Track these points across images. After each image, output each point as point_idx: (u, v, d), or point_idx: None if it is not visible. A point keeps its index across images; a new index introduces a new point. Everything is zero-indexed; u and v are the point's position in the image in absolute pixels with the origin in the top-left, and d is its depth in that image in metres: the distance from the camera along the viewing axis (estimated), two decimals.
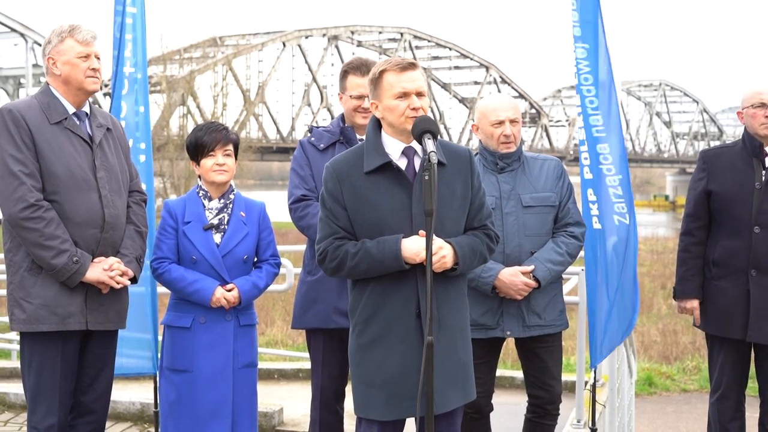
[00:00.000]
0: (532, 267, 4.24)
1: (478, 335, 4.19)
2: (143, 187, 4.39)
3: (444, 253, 3.28)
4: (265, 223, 4.22)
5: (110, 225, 3.91)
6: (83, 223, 3.83)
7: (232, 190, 4.19)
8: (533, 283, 4.24)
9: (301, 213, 4.29)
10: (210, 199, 4.14)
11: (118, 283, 3.89)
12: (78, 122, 3.94)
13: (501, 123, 4.37)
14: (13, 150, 3.75)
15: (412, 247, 3.26)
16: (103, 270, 3.84)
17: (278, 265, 4.25)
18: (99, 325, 3.91)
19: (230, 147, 4.11)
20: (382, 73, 3.37)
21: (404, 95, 3.33)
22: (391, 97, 3.34)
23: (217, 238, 4.10)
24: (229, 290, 4.06)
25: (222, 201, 4.14)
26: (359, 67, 4.32)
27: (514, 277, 4.22)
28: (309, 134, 4.45)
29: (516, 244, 4.29)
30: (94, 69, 3.94)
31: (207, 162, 4.08)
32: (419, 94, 3.35)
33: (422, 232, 3.26)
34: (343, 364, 4.23)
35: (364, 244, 3.31)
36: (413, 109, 3.32)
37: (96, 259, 3.86)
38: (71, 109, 3.94)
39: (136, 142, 4.88)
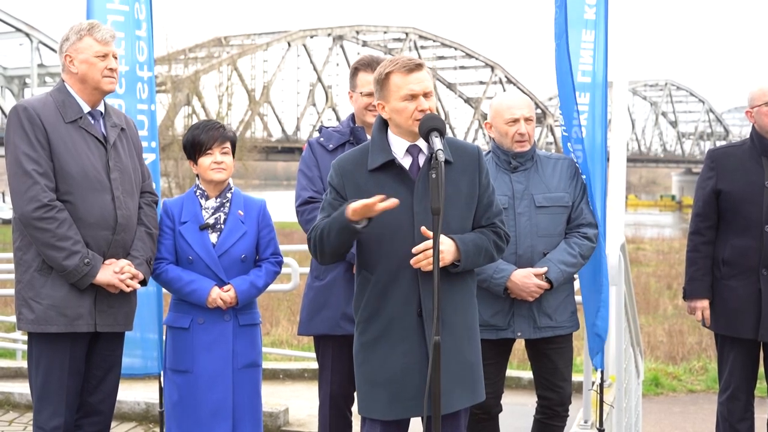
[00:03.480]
0: (545, 269, 4.20)
1: (489, 336, 4.17)
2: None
3: (442, 248, 3.23)
4: (265, 221, 4.17)
5: (122, 227, 3.88)
6: (95, 224, 3.81)
7: (230, 189, 4.15)
8: (546, 285, 4.20)
9: (308, 216, 4.24)
10: (207, 199, 4.10)
11: (128, 287, 3.87)
12: (93, 121, 3.92)
13: (516, 121, 4.33)
14: (27, 148, 3.73)
15: (357, 205, 3.20)
16: (114, 273, 3.82)
17: (280, 263, 4.20)
18: (107, 327, 3.89)
19: (227, 145, 4.08)
20: (388, 74, 3.34)
21: (412, 97, 3.31)
22: (398, 99, 3.32)
23: (213, 237, 4.06)
24: (226, 290, 4.03)
25: (218, 200, 4.10)
26: (370, 64, 4.29)
27: (526, 279, 4.18)
28: (318, 134, 4.42)
29: (528, 244, 4.25)
30: (111, 69, 3.92)
31: (205, 160, 4.04)
32: (426, 95, 3.33)
33: (424, 229, 3.23)
34: (352, 370, 4.18)
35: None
36: (421, 111, 3.30)
37: (107, 261, 3.84)
38: (86, 108, 3.91)
39: (145, 141, 4.84)
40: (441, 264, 3.23)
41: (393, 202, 3.18)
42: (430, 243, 3.20)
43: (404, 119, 3.32)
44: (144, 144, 4.80)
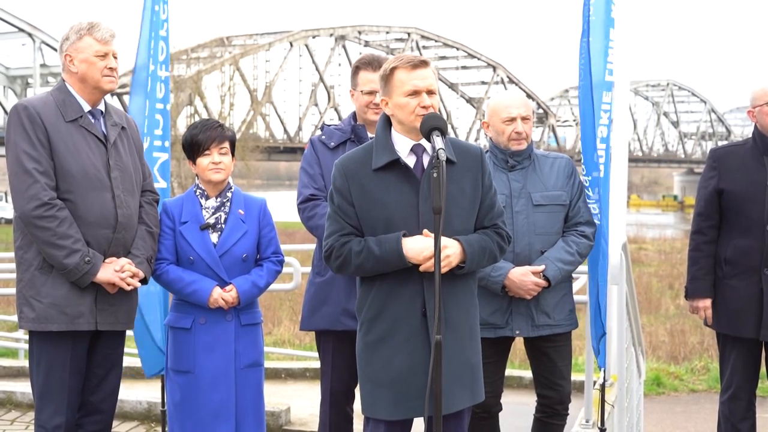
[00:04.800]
0: (542, 267, 4.21)
1: (487, 334, 4.16)
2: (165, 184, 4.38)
3: (449, 252, 3.25)
4: (265, 219, 4.15)
5: (122, 225, 3.89)
6: (96, 222, 3.81)
7: (230, 188, 4.13)
8: (543, 283, 4.21)
9: (309, 213, 4.26)
10: (207, 198, 4.09)
11: (128, 285, 3.87)
12: (93, 120, 3.93)
13: (512, 120, 4.34)
14: (27, 147, 3.73)
15: (415, 247, 3.25)
16: (114, 271, 3.83)
17: (281, 262, 4.19)
18: (108, 325, 3.89)
19: (226, 145, 4.05)
20: (393, 70, 3.35)
21: (415, 93, 3.31)
22: (401, 95, 3.32)
23: (214, 237, 4.04)
24: (228, 291, 4.01)
25: (219, 200, 4.08)
26: (371, 63, 4.31)
27: (524, 277, 4.19)
28: (320, 132, 4.44)
29: (526, 242, 4.26)
30: (111, 68, 3.93)
31: (203, 161, 4.02)
32: (430, 92, 3.33)
33: (426, 231, 3.25)
34: (352, 366, 4.18)
35: (366, 243, 3.30)
36: (423, 107, 3.30)
37: (107, 260, 3.84)
38: (86, 107, 3.92)
39: (159, 140, 4.88)
40: (447, 267, 3.25)
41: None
42: (443, 242, 3.20)
43: (406, 115, 3.32)
44: (158, 143, 4.84)
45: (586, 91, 4.51)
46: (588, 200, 4.50)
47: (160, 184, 4.85)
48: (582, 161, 4.54)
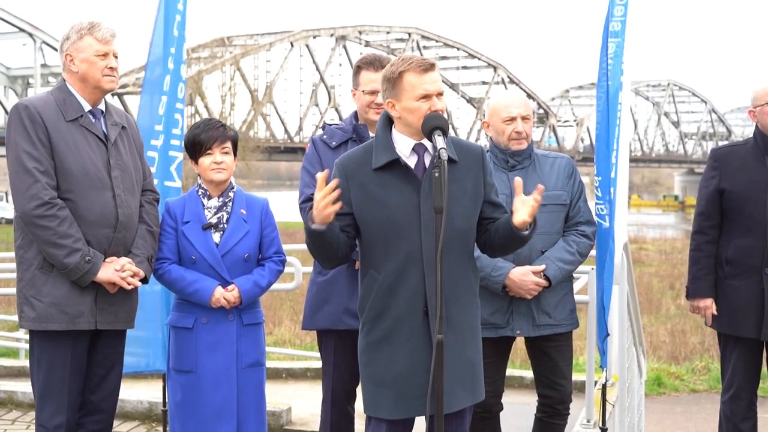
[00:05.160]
0: (543, 266, 4.22)
1: (488, 334, 4.16)
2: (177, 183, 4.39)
3: (534, 204, 3.27)
4: (267, 219, 4.14)
5: (123, 225, 3.89)
6: (96, 222, 3.81)
7: (232, 188, 4.12)
8: (544, 283, 4.21)
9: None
10: (209, 198, 4.08)
11: (129, 284, 3.87)
12: (93, 120, 3.93)
13: (512, 119, 4.34)
14: (28, 146, 3.73)
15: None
16: (115, 270, 3.82)
17: (283, 262, 4.18)
18: (108, 324, 3.89)
19: (228, 144, 4.04)
20: (402, 73, 3.31)
21: (426, 97, 3.30)
22: (412, 99, 3.30)
23: (216, 237, 4.03)
24: (230, 290, 4.01)
25: (221, 199, 4.08)
26: (372, 63, 4.32)
27: (525, 277, 4.19)
28: (322, 131, 4.44)
29: None
30: (111, 68, 3.93)
31: (205, 161, 4.01)
32: (439, 95, 3.33)
33: (518, 180, 3.28)
34: (354, 365, 4.18)
35: None
36: (435, 111, 3.30)
37: (108, 259, 3.84)
38: (87, 107, 3.92)
39: (177, 140, 4.93)
40: (525, 220, 3.27)
41: (333, 193, 3.15)
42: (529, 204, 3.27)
43: (417, 119, 3.30)
44: (176, 142, 4.86)
45: (605, 91, 4.53)
46: (597, 201, 4.51)
47: (175, 183, 4.87)
48: (595, 161, 4.56)
